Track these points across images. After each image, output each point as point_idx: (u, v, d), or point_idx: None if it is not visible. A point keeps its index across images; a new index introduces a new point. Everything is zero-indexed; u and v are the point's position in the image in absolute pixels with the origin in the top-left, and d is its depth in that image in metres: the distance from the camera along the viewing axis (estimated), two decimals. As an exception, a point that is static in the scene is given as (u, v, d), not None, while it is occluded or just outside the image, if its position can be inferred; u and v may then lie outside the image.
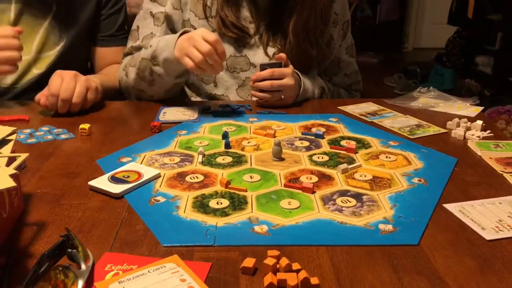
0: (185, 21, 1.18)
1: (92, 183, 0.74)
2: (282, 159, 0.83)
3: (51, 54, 1.25)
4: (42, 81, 1.15)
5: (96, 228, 0.63)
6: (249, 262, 0.54)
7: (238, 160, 0.83)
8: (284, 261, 0.54)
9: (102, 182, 0.74)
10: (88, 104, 1.08)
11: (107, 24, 1.32)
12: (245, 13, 1.18)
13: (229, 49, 1.18)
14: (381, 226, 0.63)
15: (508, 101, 3.09)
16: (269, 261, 0.54)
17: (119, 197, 0.71)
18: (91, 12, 1.28)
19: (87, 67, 1.38)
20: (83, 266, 0.53)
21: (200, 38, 0.98)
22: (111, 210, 0.68)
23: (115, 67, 1.30)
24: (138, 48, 1.19)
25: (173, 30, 1.19)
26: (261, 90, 1.10)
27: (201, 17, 1.18)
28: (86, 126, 0.96)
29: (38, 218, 0.65)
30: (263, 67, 1.10)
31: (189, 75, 1.15)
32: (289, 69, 1.11)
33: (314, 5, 1.15)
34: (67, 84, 1.03)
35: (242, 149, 0.88)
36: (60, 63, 1.23)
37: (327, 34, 1.24)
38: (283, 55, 1.11)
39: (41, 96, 1.05)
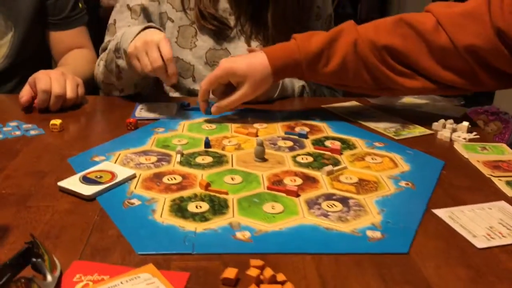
0: (162, 13, 1.14)
1: (62, 183, 0.69)
2: (265, 160, 0.80)
3: (1, 44, 1.18)
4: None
5: (65, 233, 0.59)
6: (230, 272, 0.51)
7: (219, 160, 0.79)
8: (268, 272, 0.50)
9: (72, 183, 0.69)
10: (80, 99, 1.04)
11: (59, 6, 1.24)
12: (225, 4, 1.14)
13: (208, 42, 1.14)
14: (369, 233, 0.60)
15: (487, 102, 3.12)
16: (252, 272, 0.50)
17: (90, 199, 0.66)
18: None
19: (49, 56, 1.31)
20: (49, 277, 0.48)
21: (156, 49, 0.90)
22: (81, 214, 0.63)
23: (78, 54, 1.24)
24: None
25: (150, 23, 1.14)
26: None
27: (178, 9, 1.14)
28: (57, 122, 0.90)
29: (2, 222, 0.60)
30: None
31: None
32: (259, 49, 1.07)
33: None
34: (57, 80, 0.98)
35: (223, 148, 0.85)
36: (16, 54, 1.18)
37: (310, 28, 1.21)
38: (256, 49, 1.07)
39: (26, 94, 1.00)
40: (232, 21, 1.15)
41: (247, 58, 0.93)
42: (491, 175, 0.77)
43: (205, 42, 1.14)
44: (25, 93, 1.00)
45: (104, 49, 1.16)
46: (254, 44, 1.15)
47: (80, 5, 1.28)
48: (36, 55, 1.25)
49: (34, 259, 0.49)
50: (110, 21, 1.18)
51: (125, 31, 1.02)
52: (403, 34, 0.90)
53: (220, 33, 1.14)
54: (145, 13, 1.14)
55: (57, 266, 0.51)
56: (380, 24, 0.93)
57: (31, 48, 1.23)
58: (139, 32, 0.95)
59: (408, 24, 0.90)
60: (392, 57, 0.91)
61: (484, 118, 2.78)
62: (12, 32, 1.18)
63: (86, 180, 0.70)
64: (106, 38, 1.18)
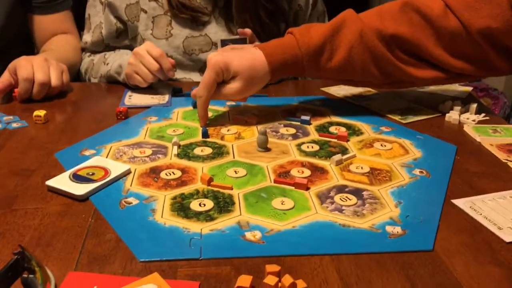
0: (132, 5, 1.08)
1: (51, 182, 0.63)
2: (268, 150, 0.75)
3: None
4: None
5: (58, 240, 0.53)
6: (245, 280, 0.46)
7: (219, 151, 0.74)
8: (287, 280, 0.45)
9: (62, 182, 0.63)
10: (65, 87, 0.97)
11: None
12: None
13: (185, 30, 1.08)
14: (389, 229, 0.56)
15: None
16: (270, 280, 0.45)
17: (83, 199, 0.61)
18: None
19: (32, 42, 1.23)
20: (43, 294, 0.43)
21: (147, 54, 0.93)
22: (74, 216, 0.58)
23: (62, 39, 1.17)
24: (93, 45, 1.13)
25: (118, 17, 1.10)
26: None
27: None
28: (41, 113, 0.84)
29: (-14, 229, 0.55)
30: (224, 43, 0.98)
31: None
32: (253, 46, 1.01)
33: None
34: (41, 67, 0.91)
35: (222, 138, 0.79)
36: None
37: (295, 4, 1.16)
38: (247, 30, 1.00)
39: (3, 81, 0.92)
40: (208, 5, 1.08)
41: (241, 54, 0.82)
42: (507, 160, 0.73)
43: (181, 31, 1.08)
44: (2, 80, 0.93)
45: (84, 49, 1.17)
46: (235, 29, 1.09)
47: None
48: (18, 41, 1.17)
49: (25, 276, 0.43)
50: (86, 15, 1.15)
51: (114, 61, 1.04)
52: (410, 21, 0.82)
53: (196, 20, 1.08)
54: (111, 8, 1.09)
55: (51, 279, 0.46)
56: (384, 11, 0.84)
57: (13, 33, 1.15)
58: None
59: (415, 10, 0.82)
60: (400, 47, 0.83)
61: (474, 94, 2.75)
62: None
63: (76, 178, 0.64)
64: (85, 35, 1.16)
